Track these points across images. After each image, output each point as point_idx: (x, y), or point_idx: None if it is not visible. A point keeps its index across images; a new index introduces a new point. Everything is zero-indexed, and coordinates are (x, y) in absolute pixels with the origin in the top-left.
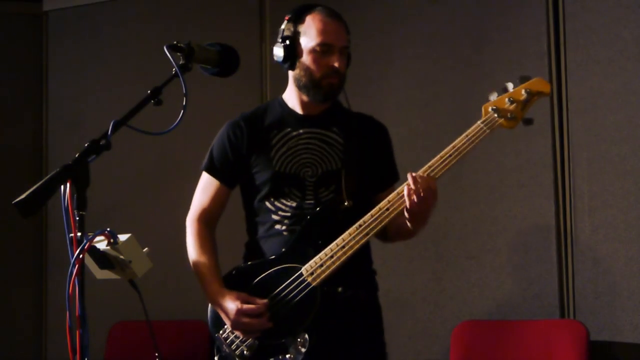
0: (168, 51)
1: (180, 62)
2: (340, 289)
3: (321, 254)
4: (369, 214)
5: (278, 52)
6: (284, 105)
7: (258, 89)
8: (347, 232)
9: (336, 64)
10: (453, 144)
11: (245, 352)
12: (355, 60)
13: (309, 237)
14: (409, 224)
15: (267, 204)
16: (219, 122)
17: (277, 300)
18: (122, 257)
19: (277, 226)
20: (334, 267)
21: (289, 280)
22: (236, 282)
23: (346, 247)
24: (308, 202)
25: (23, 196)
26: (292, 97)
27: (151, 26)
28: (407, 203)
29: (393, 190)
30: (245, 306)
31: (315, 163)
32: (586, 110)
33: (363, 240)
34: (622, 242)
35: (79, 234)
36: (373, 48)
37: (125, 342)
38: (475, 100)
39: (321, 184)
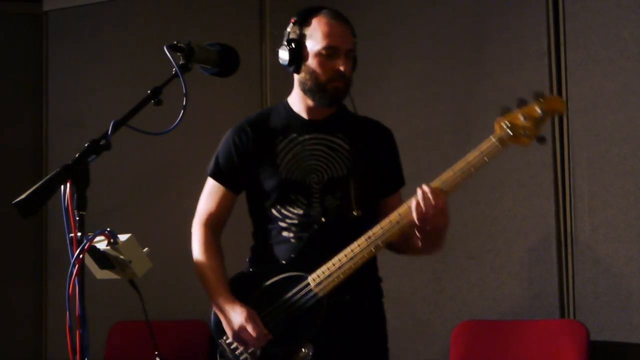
0: (168, 51)
1: (180, 62)
2: (346, 299)
3: (329, 264)
4: (379, 226)
5: (283, 55)
6: (289, 109)
7: (258, 89)
8: (355, 244)
9: (342, 68)
10: (466, 159)
11: (248, 359)
12: None
13: (317, 245)
14: (419, 241)
15: (274, 211)
16: (219, 122)
17: (282, 308)
18: (122, 257)
19: (285, 233)
20: (341, 278)
21: (296, 290)
22: (242, 287)
23: (354, 259)
24: (315, 209)
25: (23, 196)
26: (297, 101)
27: (151, 26)
28: (415, 218)
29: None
30: (249, 326)
31: (321, 169)
32: (586, 110)
33: (372, 253)
34: (622, 242)
35: (79, 234)
36: (373, 48)
37: (125, 342)
38: (475, 100)
39: (327, 191)
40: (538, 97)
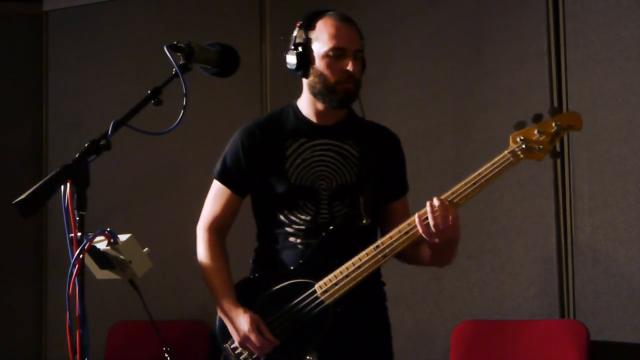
0: (168, 51)
1: (180, 62)
2: (352, 306)
3: (336, 272)
4: (388, 235)
5: (291, 59)
6: (298, 112)
7: (258, 89)
8: (364, 252)
9: (350, 68)
10: (478, 171)
11: None
12: None
13: (325, 252)
14: (429, 252)
15: (281, 216)
16: (219, 122)
17: (288, 315)
18: (122, 257)
19: (292, 239)
20: (348, 287)
21: (302, 297)
22: (248, 293)
23: (362, 268)
24: (322, 216)
25: (23, 196)
26: (306, 105)
27: (151, 26)
28: (420, 230)
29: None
30: (254, 334)
31: (330, 176)
32: (586, 110)
33: (380, 263)
34: (622, 242)
35: (79, 234)
36: (373, 48)
37: (125, 342)
38: (475, 100)
39: (335, 198)
40: (554, 112)
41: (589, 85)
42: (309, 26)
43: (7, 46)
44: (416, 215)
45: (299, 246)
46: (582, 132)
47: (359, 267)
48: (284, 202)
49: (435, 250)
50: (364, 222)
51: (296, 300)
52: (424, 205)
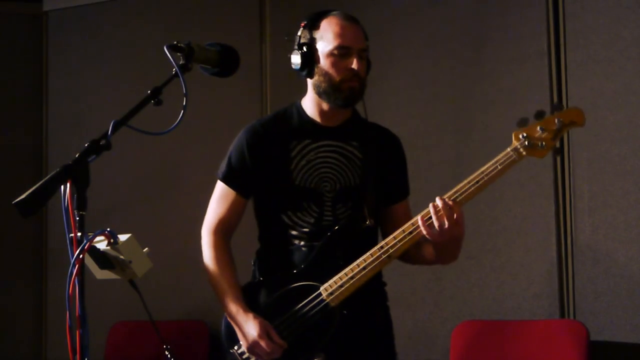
0: (168, 51)
1: (180, 62)
2: (357, 307)
3: (341, 274)
4: (392, 236)
5: (295, 59)
6: (302, 113)
7: (258, 89)
8: (368, 253)
9: (355, 66)
10: (481, 169)
11: None
12: None
13: (329, 254)
14: (433, 251)
15: (285, 217)
16: (219, 122)
17: (294, 318)
18: (122, 257)
19: (296, 241)
20: (353, 288)
21: (308, 300)
22: (254, 296)
23: (367, 269)
24: (326, 218)
25: (23, 196)
26: (311, 105)
27: (151, 26)
28: (424, 232)
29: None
30: (264, 340)
31: (334, 178)
32: (586, 110)
33: (385, 263)
34: (622, 242)
35: (79, 234)
36: (373, 48)
37: (125, 342)
38: (475, 100)
39: (339, 200)
40: (557, 109)
41: (589, 85)
42: (313, 26)
43: (7, 46)
44: (419, 216)
45: (303, 248)
46: (582, 132)
47: (364, 268)
48: (288, 203)
49: (440, 249)
50: (367, 223)
51: (302, 304)
52: (425, 205)
